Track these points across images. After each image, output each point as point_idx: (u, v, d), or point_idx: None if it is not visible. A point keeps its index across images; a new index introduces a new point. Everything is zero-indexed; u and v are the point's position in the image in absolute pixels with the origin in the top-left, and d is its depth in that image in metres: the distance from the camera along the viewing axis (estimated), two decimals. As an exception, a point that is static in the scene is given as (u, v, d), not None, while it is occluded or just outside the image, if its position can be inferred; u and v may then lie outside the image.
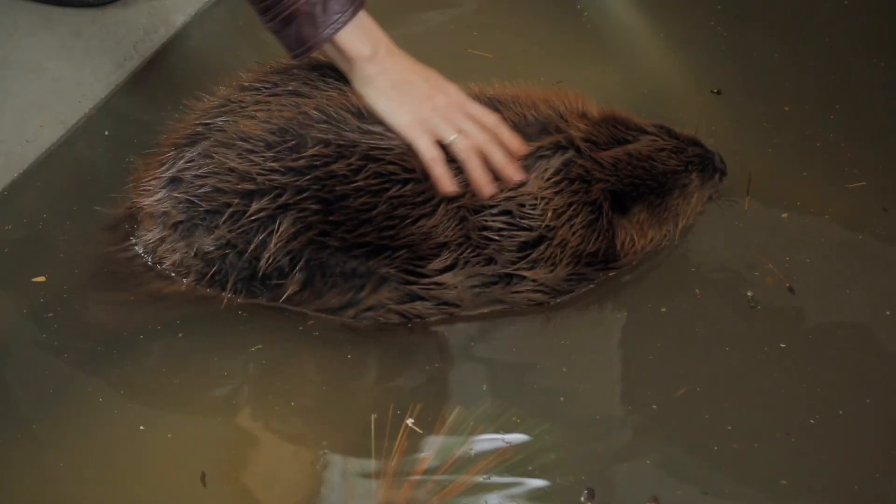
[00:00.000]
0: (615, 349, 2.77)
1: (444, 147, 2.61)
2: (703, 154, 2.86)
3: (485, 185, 2.62)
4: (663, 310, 2.80)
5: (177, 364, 2.69)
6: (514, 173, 2.63)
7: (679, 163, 2.81)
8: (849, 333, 2.77)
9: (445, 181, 2.59)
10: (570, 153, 2.69)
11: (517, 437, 2.58)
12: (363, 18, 2.61)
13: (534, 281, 2.69)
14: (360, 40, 2.61)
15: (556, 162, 2.68)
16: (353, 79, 2.66)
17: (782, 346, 2.73)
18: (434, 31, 3.48)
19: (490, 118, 2.66)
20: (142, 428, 2.59)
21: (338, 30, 2.58)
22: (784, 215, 2.98)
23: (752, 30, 3.48)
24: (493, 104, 2.74)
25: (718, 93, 3.28)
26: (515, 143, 2.66)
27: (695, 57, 3.40)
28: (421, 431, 2.57)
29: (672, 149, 2.80)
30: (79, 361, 2.69)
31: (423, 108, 2.62)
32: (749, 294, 2.82)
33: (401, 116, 2.61)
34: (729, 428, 2.60)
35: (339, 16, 2.57)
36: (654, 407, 2.64)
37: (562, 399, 2.65)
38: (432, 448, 2.54)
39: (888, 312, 2.80)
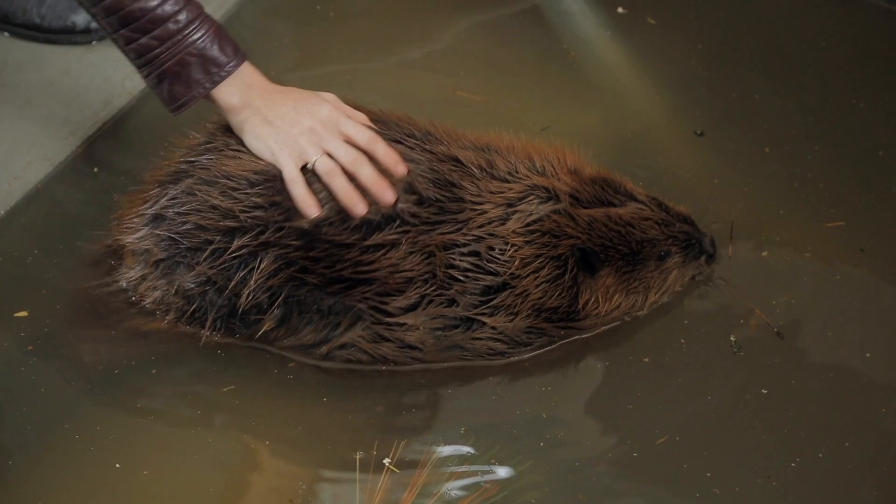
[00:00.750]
0: (595, 398, 2.75)
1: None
2: (690, 233, 2.82)
3: (352, 204, 2.62)
4: (646, 360, 2.79)
5: (154, 402, 2.71)
6: (382, 191, 2.63)
7: (661, 235, 2.77)
8: (830, 377, 2.77)
9: (303, 202, 2.61)
10: (558, 205, 2.70)
11: (498, 475, 2.58)
12: (242, 70, 2.67)
13: (493, 329, 2.69)
14: (229, 93, 2.66)
15: (540, 210, 2.69)
16: (231, 127, 2.71)
17: (763, 391, 2.73)
18: (422, 69, 3.53)
19: (363, 136, 2.67)
20: (118, 466, 2.59)
21: (210, 89, 2.65)
22: (764, 253, 3.00)
23: (733, 71, 3.52)
24: (488, 151, 2.76)
25: (701, 134, 3.31)
26: (391, 158, 2.66)
27: (678, 98, 3.45)
28: (399, 472, 2.57)
29: (657, 220, 2.77)
30: (57, 397, 2.71)
31: (288, 134, 2.64)
32: (732, 339, 2.82)
33: (265, 150, 2.65)
34: (709, 475, 2.59)
35: (212, 76, 2.64)
36: (635, 454, 2.63)
37: (542, 444, 2.65)
38: (415, 488, 2.55)
39: (868, 354, 2.81)
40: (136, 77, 3.24)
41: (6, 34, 3.37)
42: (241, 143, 2.69)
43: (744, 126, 3.35)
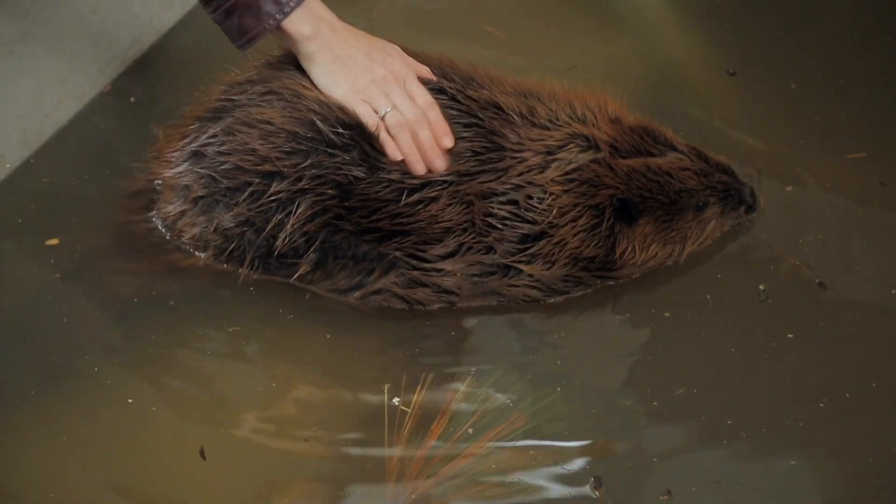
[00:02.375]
0: (622, 342, 2.78)
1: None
2: (729, 183, 2.82)
3: (414, 160, 2.65)
4: (666, 314, 2.81)
5: (183, 337, 2.75)
6: (436, 156, 2.67)
7: (699, 185, 2.78)
8: (856, 315, 2.79)
9: (391, 148, 2.65)
10: (598, 154, 2.71)
11: (525, 408, 2.63)
12: (310, 1, 2.66)
13: (530, 276, 2.72)
14: (300, 22, 2.65)
15: (579, 158, 2.71)
16: (298, 57, 2.71)
17: (789, 336, 2.76)
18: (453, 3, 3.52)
19: (424, 98, 2.70)
20: (132, 401, 2.64)
21: (280, 20, 2.64)
22: (788, 188, 3.01)
23: (758, 7, 3.51)
24: (529, 98, 2.78)
25: (734, 74, 3.30)
26: (441, 129, 2.69)
27: (705, 33, 3.44)
28: (407, 410, 2.61)
29: (696, 171, 2.78)
30: (80, 327, 2.75)
31: (360, 80, 2.67)
32: (761, 287, 2.84)
33: (337, 88, 2.67)
34: (729, 422, 2.62)
35: (282, 6, 2.62)
36: (655, 403, 2.66)
37: (566, 382, 2.69)
38: (443, 419, 2.59)
39: (894, 291, 2.83)
40: (164, 15, 3.31)
41: (35, -30, 3.36)
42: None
43: (770, 63, 3.34)
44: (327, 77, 2.67)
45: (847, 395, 2.66)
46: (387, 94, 2.67)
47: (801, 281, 2.84)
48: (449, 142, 2.67)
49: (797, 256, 2.88)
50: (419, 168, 2.65)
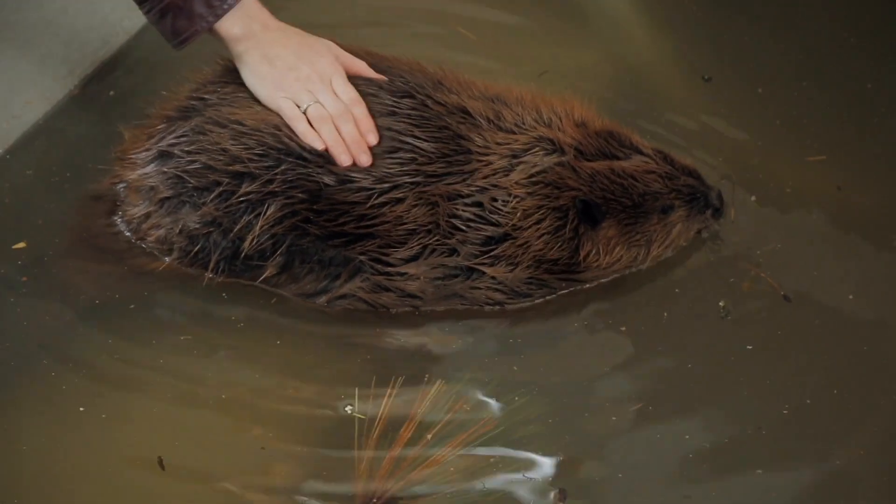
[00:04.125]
0: (584, 353, 2.77)
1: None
2: (695, 186, 2.81)
3: (339, 152, 2.66)
4: (623, 328, 2.80)
5: (142, 343, 2.73)
6: (360, 150, 2.68)
7: (664, 188, 2.77)
8: (815, 323, 2.80)
9: (309, 136, 2.67)
10: (562, 157, 2.72)
11: (494, 411, 2.63)
12: (245, 3, 2.70)
13: (493, 279, 2.72)
14: (230, 23, 2.69)
15: (544, 161, 2.71)
16: (231, 58, 2.74)
17: (748, 347, 2.76)
18: (421, 6, 3.53)
19: (348, 94, 2.72)
20: (83, 409, 2.61)
21: (213, 23, 2.68)
22: (753, 198, 3.02)
23: (726, 11, 3.54)
24: (496, 102, 2.79)
25: (709, 80, 3.33)
26: (366, 125, 2.70)
27: (674, 37, 3.47)
28: (363, 417, 2.60)
29: (661, 174, 2.78)
30: (44, 332, 2.73)
31: (286, 78, 2.70)
32: (721, 304, 2.83)
33: (262, 88, 2.70)
34: (687, 437, 2.62)
35: (215, 9, 2.67)
36: (613, 418, 2.65)
37: (536, 387, 2.68)
38: (412, 423, 2.59)
39: (851, 296, 2.85)
40: (134, 17, 3.29)
41: (4, -27, 3.35)
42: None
43: (739, 67, 3.37)
44: (254, 77, 2.71)
45: (808, 401, 2.66)
46: (309, 91, 2.69)
47: (764, 294, 2.84)
48: (373, 138, 2.69)
49: (759, 268, 2.88)
50: (344, 159, 2.66)
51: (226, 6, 2.66)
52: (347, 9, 3.43)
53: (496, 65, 3.22)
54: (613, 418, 2.63)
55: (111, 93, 3.18)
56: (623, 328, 2.79)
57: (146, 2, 2.68)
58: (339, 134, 2.67)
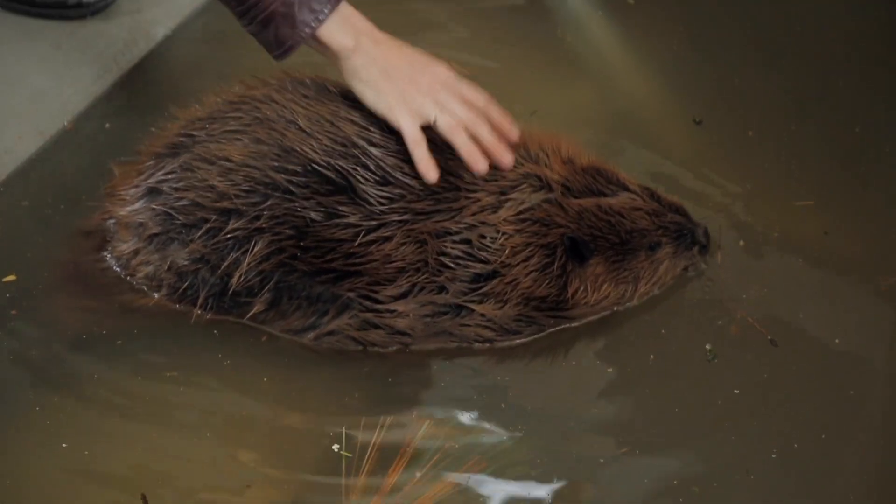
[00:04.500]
0: (563, 398, 2.77)
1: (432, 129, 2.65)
2: (682, 223, 2.83)
3: (475, 160, 2.64)
4: (609, 370, 2.80)
5: (127, 380, 2.71)
6: (501, 153, 2.67)
7: (651, 225, 2.79)
8: (802, 367, 2.80)
9: (425, 165, 2.62)
10: (550, 194, 2.72)
11: (485, 452, 2.62)
12: (344, 10, 2.64)
13: (482, 316, 2.72)
14: (341, 34, 2.63)
15: (532, 198, 2.72)
16: (340, 71, 2.68)
17: (736, 392, 2.75)
18: (421, 35, 3.51)
19: (479, 97, 2.68)
20: (64, 445, 2.59)
21: (316, 28, 2.61)
22: (741, 243, 3.03)
23: (715, 53, 3.57)
24: None
25: (700, 122, 3.33)
26: (506, 124, 2.69)
27: (665, 79, 3.49)
28: (349, 455, 2.59)
29: (648, 210, 2.80)
30: (30, 366, 2.72)
31: (407, 91, 2.63)
32: (707, 347, 2.83)
33: (385, 102, 2.64)
34: (675, 482, 2.61)
35: (317, 14, 2.60)
36: (601, 461, 2.65)
37: (518, 435, 2.68)
38: (401, 463, 2.58)
39: (837, 340, 2.85)
40: (128, 52, 3.32)
41: (-2, 8, 3.37)
42: (240, 128, 2.69)
43: (728, 108, 3.38)
44: (373, 93, 2.64)
45: (795, 445, 2.65)
46: (435, 100, 2.64)
47: (750, 337, 2.84)
48: (515, 134, 2.69)
49: (746, 312, 2.88)
50: (481, 166, 2.64)
51: (327, 9, 2.60)
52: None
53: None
54: (601, 460, 2.62)
55: (105, 127, 3.19)
56: (610, 369, 2.78)
57: (247, 13, 2.62)
58: (479, 140, 2.65)
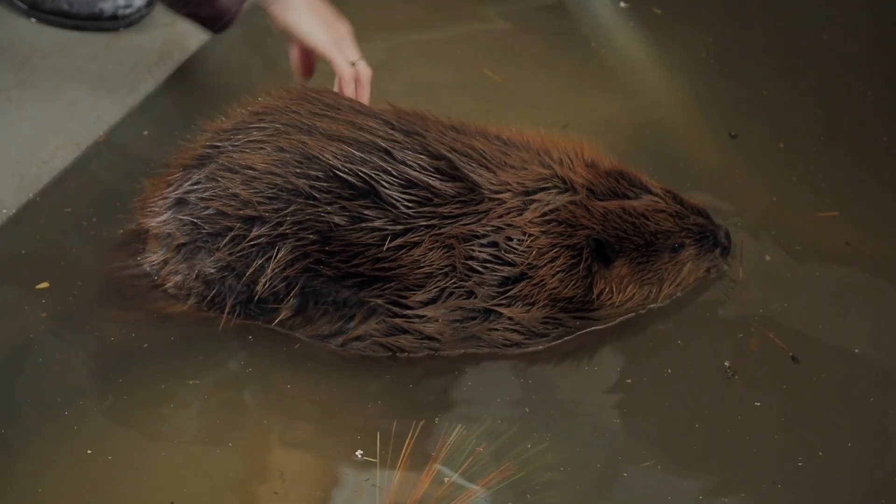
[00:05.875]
0: (590, 405, 2.77)
1: None
2: (704, 225, 2.85)
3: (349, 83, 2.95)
4: (628, 381, 2.79)
5: (156, 386, 2.74)
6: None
7: (675, 227, 2.80)
8: (822, 378, 2.79)
9: (349, 96, 2.90)
10: (575, 196, 2.73)
11: (514, 457, 2.61)
12: None
13: (510, 319, 2.73)
14: None
15: (556, 200, 2.73)
16: (272, 7, 2.90)
17: (756, 404, 2.74)
18: (455, 42, 3.58)
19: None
20: (90, 452, 2.61)
21: None
22: (767, 258, 3.02)
23: (744, 64, 3.58)
24: (508, 143, 2.82)
25: (735, 136, 3.33)
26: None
27: (696, 93, 3.49)
28: (375, 461, 2.60)
29: (671, 213, 2.80)
30: (61, 372, 2.75)
31: (336, 29, 2.95)
32: (726, 364, 2.81)
33: (320, 34, 2.93)
34: (700, 497, 2.59)
35: None
36: (625, 474, 2.64)
37: (547, 440, 2.67)
38: (433, 468, 2.58)
39: (857, 350, 2.83)
40: (163, 64, 3.35)
41: (34, 21, 3.41)
42: (264, 138, 2.73)
43: (756, 120, 3.38)
44: (308, 23, 2.92)
45: (820, 453, 2.64)
46: (356, 46, 2.95)
47: (772, 354, 2.83)
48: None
49: (767, 327, 2.87)
50: (350, 88, 2.95)
51: None
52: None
53: (517, 115, 3.24)
54: (625, 474, 2.62)
55: (139, 137, 3.23)
56: (629, 380, 2.79)
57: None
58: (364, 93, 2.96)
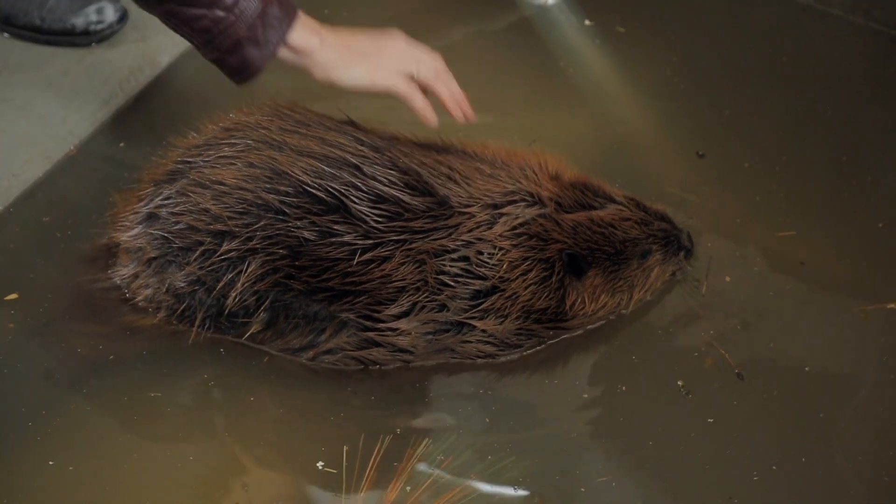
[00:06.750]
0: (555, 420, 2.79)
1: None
2: (668, 230, 2.90)
3: (454, 107, 2.79)
4: (585, 396, 2.81)
5: (136, 397, 2.75)
6: (468, 106, 2.80)
7: (641, 234, 2.85)
8: (773, 395, 2.82)
9: (425, 111, 2.76)
10: (544, 209, 2.76)
11: (482, 470, 2.63)
12: (300, 16, 2.71)
13: (483, 331, 2.75)
14: (306, 36, 2.69)
15: (526, 213, 2.76)
16: (313, 70, 2.73)
17: (709, 421, 2.76)
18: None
19: (435, 54, 2.81)
20: (60, 465, 2.61)
21: (284, 41, 2.67)
22: (727, 279, 3.05)
23: (708, 82, 3.62)
24: (475, 158, 2.85)
25: (703, 155, 3.37)
26: (454, 83, 2.81)
27: (659, 106, 3.53)
28: (339, 473, 2.61)
29: (637, 220, 2.85)
30: (27, 387, 2.75)
31: (380, 59, 2.74)
32: (680, 383, 2.84)
33: (366, 76, 2.73)
34: None
35: (280, 28, 2.66)
36: (582, 489, 2.65)
37: (523, 441, 2.70)
38: (399, 481, 2.59)
39: (807, 368, 2.87)
40: (134, 79, 3.37)
41: (7, 35, 3.44)
42: (235, 154, 2.74)
43: (720, 138, 3.42)
44: (352, 72, 2.72)
45: (773, 467, 2.67)
46: (409, 58, 2.76)
47: (725, 372, 2.85)
48: (466, 103, 2.82)
49: (722, 346, 2.90)
50: (459, 113, 2.79)
51: (286, 22, 2.66)
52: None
53: (484, 131, 3.27)
54: (582, 489, 2.64)
55: (110, 152, 3.24)
56: (585, 395, 2.81)
57: (211, 44, 2.66)
58: (448, 93, 2.79)
